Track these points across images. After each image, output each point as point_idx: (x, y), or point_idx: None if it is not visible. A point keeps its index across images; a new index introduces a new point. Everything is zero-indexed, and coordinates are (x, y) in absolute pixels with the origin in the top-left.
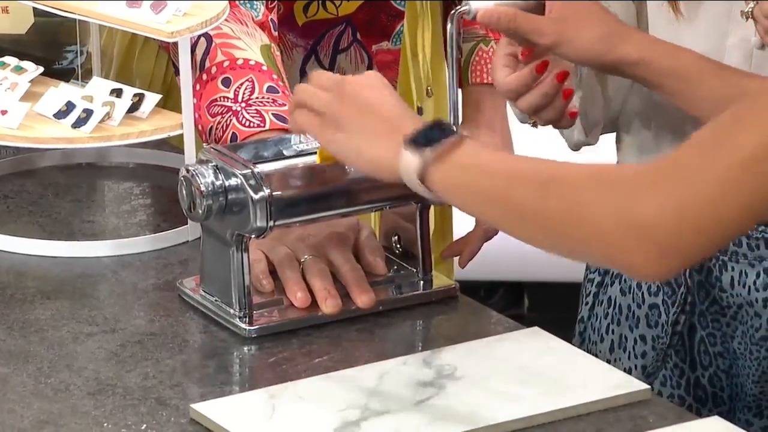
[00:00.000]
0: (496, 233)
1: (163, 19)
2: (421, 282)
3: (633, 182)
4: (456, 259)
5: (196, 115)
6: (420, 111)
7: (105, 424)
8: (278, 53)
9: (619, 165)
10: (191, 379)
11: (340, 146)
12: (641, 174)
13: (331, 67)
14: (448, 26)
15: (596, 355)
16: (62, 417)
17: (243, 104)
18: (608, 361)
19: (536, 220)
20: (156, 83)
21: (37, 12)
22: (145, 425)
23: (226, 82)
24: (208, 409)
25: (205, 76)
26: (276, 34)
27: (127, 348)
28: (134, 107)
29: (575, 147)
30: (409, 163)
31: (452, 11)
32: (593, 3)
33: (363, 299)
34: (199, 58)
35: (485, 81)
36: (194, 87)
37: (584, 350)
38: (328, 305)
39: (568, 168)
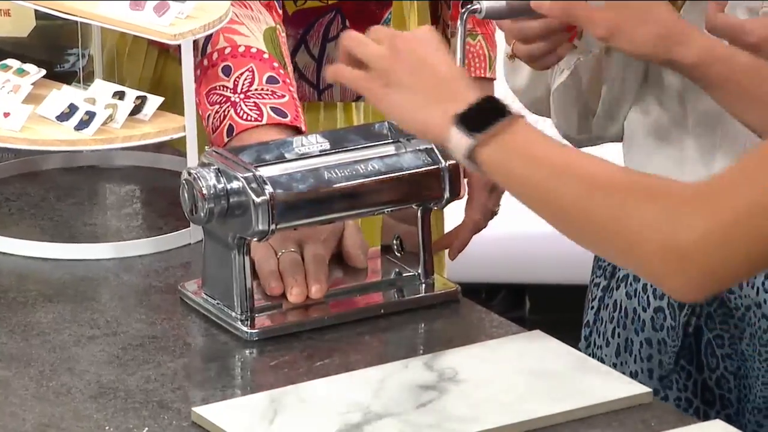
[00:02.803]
0: (486, 226)
1: (166, 21)
2: (423, 285)
3: (680, 202)
4: (447, 259)
5: (196, 100)
6: None
7: (107, 428)
8: (283, 34)
9: (667, 180)
10: (193, 383)
11: (388, 103)
12: (689, 194)
13: (321, 57)
14: (458, 26)
15: (602, 359)
16: (64, 420)
17: (242, 95)
18: (614, 365)
19: (579, 221)
20: (144, 84)
21: (38, 15)
22: (146, 428)
23: (227, 71)
24: (210, 412)
25: (206, 62)
26: (281, 12)
27: (128, 351)
28: (137, 110)
29: (568, 139)
30: (459, 140)
31: (462, 10)
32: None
33: (313, 289)
34: (201, 42)
35: (473, 75)
36: (194, 71)
37: (590, 354)
38: (293, 293)
39: (617, 172)
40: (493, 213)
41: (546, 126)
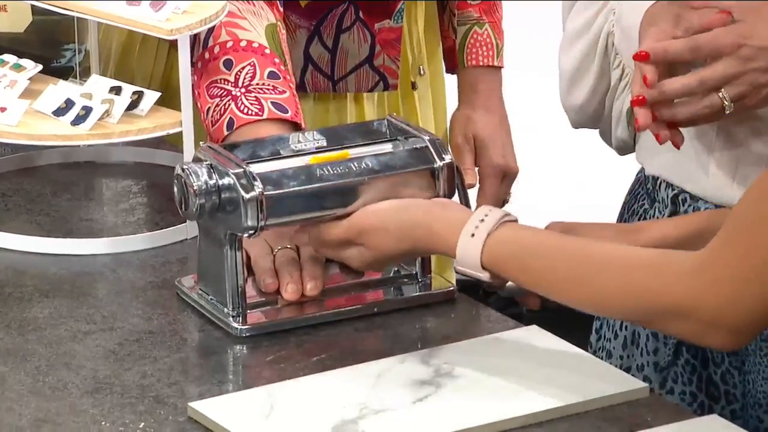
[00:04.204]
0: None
1: (163, 16)
2: (420, 284)
3: (693, 276)
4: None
5: (195, 93)
6: (414, 86)
7: (103, 423)
8: (284, 31)
9: (668, 254)
10: (189, 378)
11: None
12: (697, 269)
13: (335, 48)
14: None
15: (610, 352)
16: (60, 415)
17: (243, 89)
18: (621, 358)
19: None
20: (155, 81)
21: (35, 10)
22: (143, 423)
23: (228, 64)
24: (206, 407)
25: (207, 55)
26: (282, 10)
27: (125, 346)
28: (133, 105)
29: (619, 150)
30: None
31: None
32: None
33: (308, 286)
34: (203, 35)
35: (480, 63)
36: (195, 64)
37: (600, 347)
38: (288, 290)
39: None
40: (505, 201)
41: (591, 135)
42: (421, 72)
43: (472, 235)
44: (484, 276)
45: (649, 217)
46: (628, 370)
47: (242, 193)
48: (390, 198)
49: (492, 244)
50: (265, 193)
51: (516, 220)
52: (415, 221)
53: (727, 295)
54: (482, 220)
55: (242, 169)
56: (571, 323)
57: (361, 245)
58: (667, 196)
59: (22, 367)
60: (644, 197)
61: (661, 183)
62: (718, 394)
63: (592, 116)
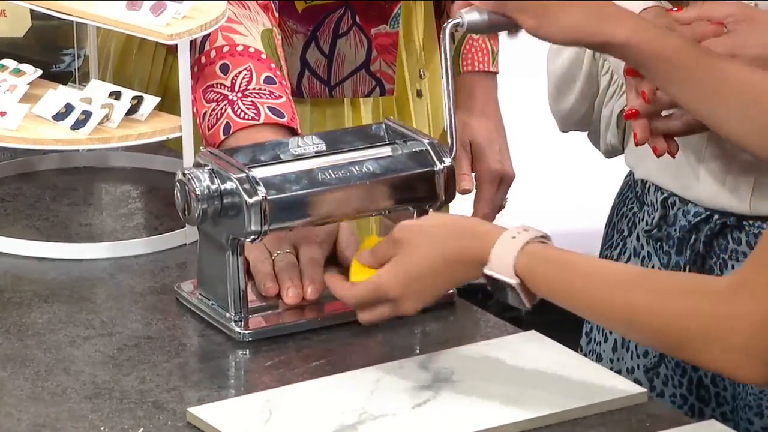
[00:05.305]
0: (494, 219)
1: (163, 21)
2: None
3: (724, 296)
4: None
5: (192, 98)
6: (420, 94)
7: (102, 428)
8: (279, 37)
9: (701, 277)
10: (188, 383)
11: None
12: (730, 288)
13: (331, 53)
14: (442, 38)
15: (600, 355)
16: (59, 421)
17: (239, 94)
18: (611, 361)
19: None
20: (153, 85)
21: (34, 15)
22: (141, 429)
23: (225, 69)
24: (205, 412)
25: (203, 59)
26: (277, 15)
27: (124, 351)
28: (133, 110)
29: (607, 153)
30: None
31: (444, 24)
32: None
33: (308, 290)
34: (199, 39)
35: (476, 69)
36: (191, 68)
37: (590, 350)
38: (289, 294)
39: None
40: (501, 207)
41: (580, 139)
42: (422, 75)
43: (513, 237)
44: (514, 282)
45: (639, 220)
46: (618, 373)
47: (245, 197)
48: (392, 200)
49: (529, 252)
50: (268, 197)
51: (550, 242)
52: (460, 224)
53: (762, 317)
54: (526, 230)
55: (245, 174)
56: (571, 329)
57: (393, 256)
58: (657, 200)
59: (21, 372)
60: (633, 200)
61: (650, 186)
62: (708, 396)
63: (580, 121)
